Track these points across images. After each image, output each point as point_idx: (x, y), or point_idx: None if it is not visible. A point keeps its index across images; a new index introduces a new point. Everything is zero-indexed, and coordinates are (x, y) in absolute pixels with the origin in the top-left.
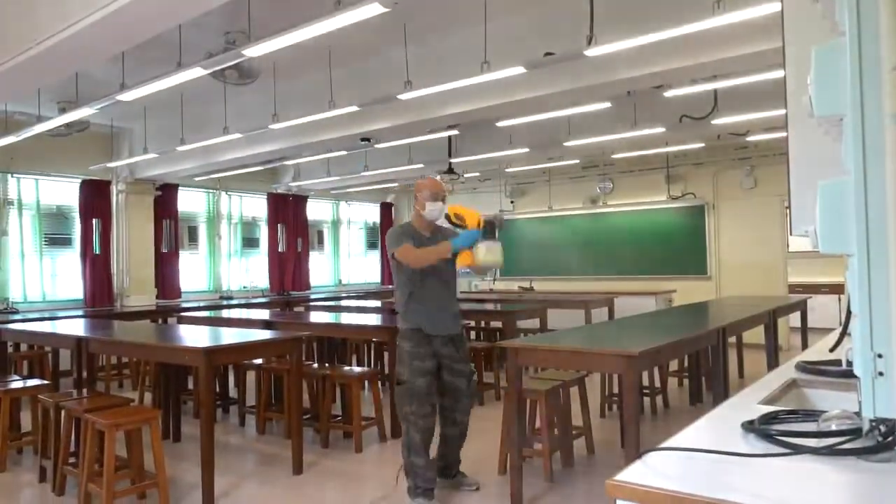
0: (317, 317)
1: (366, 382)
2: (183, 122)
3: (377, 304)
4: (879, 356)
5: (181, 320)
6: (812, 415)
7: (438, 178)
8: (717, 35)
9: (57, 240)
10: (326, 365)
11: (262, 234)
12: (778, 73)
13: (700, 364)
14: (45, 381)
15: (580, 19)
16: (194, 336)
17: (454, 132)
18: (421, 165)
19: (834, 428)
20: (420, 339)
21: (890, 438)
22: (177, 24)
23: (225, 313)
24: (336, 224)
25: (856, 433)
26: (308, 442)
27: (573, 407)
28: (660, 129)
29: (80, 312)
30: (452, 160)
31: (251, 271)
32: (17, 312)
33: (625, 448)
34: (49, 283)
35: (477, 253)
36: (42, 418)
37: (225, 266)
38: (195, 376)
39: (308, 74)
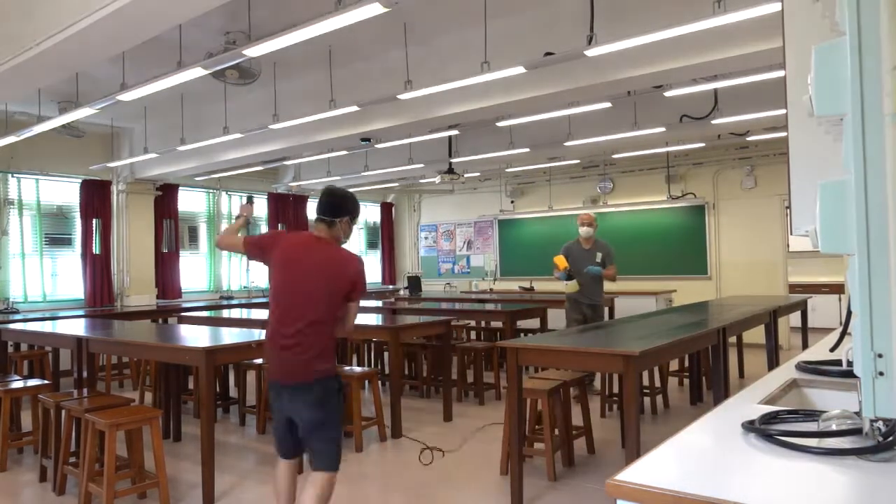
0: None
1: (366, 382)
2: (183, 122)
3: (377, 303)
4: (880, 356)
5: (181, 320)
6: (812, 415)
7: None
8: (717, 35)
9: (57, 240)
10: None
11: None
12: (778, 73)
13: (700, 364)
14: (46, 381)
15: (580, 19)
16: (195, 336)
17: (454, 132)
18: (421, 165)
19: (834, 428)
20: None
21: (890, 438)
22: (177, 24)
23: (225, 313)
24: None
25: (856, 433)
26: None
27: (573, 407)
28: (660, 129)
29: (80, 312)
30: (452, 160)
31: (251, 271)
32: (17, 312)
33: (625, 448)
34: (49, 282)
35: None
36: (42, 418)
37: (225, 266)
38: (195, 376)
39: (308, 74)
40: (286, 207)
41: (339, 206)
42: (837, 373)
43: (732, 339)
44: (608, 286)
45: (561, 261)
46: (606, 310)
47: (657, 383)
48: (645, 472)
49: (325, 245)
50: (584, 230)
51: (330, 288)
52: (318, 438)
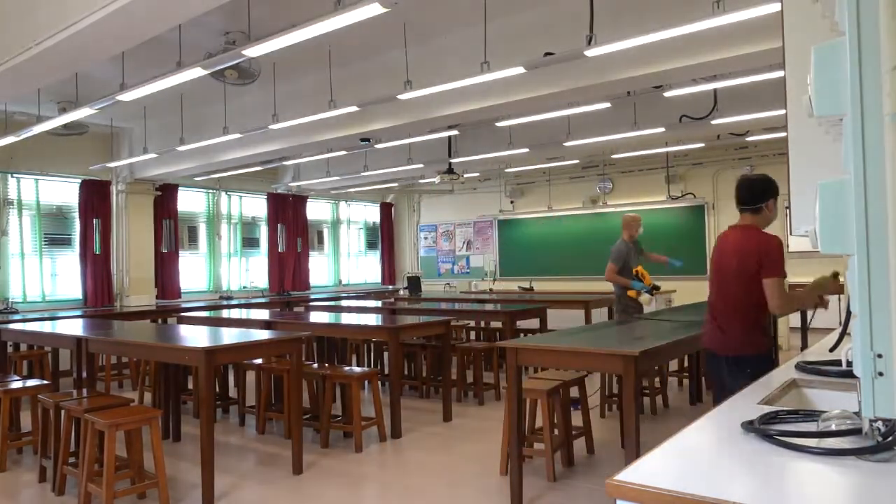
0: (317, 317)
1: (366, 382)
2: (183, 122)
3: (377, 304)
4: (879, 356)
5: (181, 320)
6: (812, 415)
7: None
8: (717, 35)
9: (57, 240)
10: (326, 365)
11: (262, 234)
12: (778, 73)
13: (700, 364)
14: (45, 381)
15: (580, 19)
16: (194, 336)
17: (454, 132)
18: (421, 165)
19: (834, 428)
20: None
21: (890, 438)
22: (177, 24)
23: (225, 313)
24: (336, 224)
25: (856, 433)
26: (308, 442)
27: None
28: (660, 129)
29: (79, 312)
30: (452, 160)
31: (251, 271)
32: (17, 312)
33: (625, 448)
34: (49, 282)
35: (641, 297)
36: (42, 418)
37: (225, 266)
38: (195, 376)
39: (308, 74)
40: (286, 207)
41: (761, 192)
42: (837, 373)
43: None
44: (608, 286)
45: (647, 275)
46: (606, 310)
47: (657, 383)
48: (645, 472)
49: (743, 230)
50: (640, 231)
51: (740, 266)
52: None
